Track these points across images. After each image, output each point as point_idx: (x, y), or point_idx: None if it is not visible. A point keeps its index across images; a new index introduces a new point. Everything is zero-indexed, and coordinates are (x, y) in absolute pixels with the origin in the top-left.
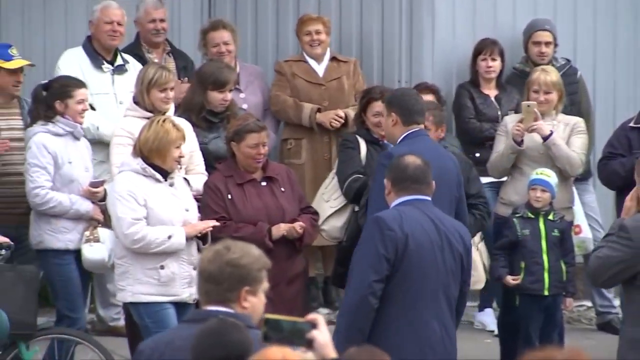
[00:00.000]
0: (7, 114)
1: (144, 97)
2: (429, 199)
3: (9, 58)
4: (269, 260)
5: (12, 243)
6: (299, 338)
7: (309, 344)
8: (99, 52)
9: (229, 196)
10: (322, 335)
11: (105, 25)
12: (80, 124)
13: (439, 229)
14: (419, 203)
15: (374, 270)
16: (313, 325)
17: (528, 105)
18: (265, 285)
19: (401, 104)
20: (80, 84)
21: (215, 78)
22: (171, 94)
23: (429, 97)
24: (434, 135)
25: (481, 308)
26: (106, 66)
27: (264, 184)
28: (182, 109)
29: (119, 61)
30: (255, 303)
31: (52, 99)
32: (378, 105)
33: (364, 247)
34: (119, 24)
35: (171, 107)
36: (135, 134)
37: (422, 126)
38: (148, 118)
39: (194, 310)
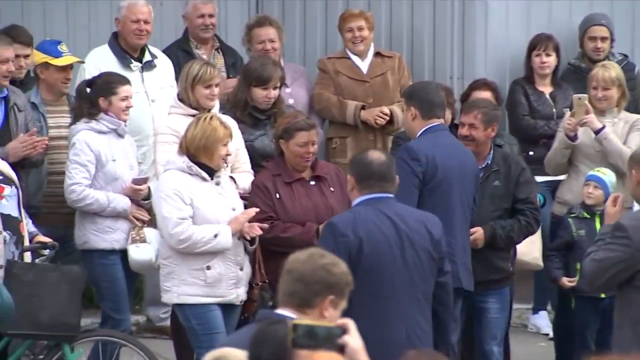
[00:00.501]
0: (55, 112)
1: (189, 93)
2: (392, 196)
3: (58, 54)
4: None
5: (56, 243)
6: (331, 343)
7: (341, 349)
8: (126, 50)
9: (277, 195)
10: (354, 340)
11: (131, 24)
12: (124, 121)
13: (397, 227)
14: (379, 202)
15: None
16: (344, 330)
17: (579, 98)
18: (344, 304)
19: (421, 97)
20: (125, 81)
21: (258, 74)
22: (216, 90)
23: (486, 94)
24: (482, 134)
25: (535, 311)
26: (135, 64)
27: (312, 183)
28: (229, 106)
29: (147, 57)
30: (333, 317)
31: (95, 96)
32: None
33: None
34: (145, 22)
35: (216, 104)
36: (181, 132)
37: (442, 120)
38: (193, 115)
39: (262, 311)
